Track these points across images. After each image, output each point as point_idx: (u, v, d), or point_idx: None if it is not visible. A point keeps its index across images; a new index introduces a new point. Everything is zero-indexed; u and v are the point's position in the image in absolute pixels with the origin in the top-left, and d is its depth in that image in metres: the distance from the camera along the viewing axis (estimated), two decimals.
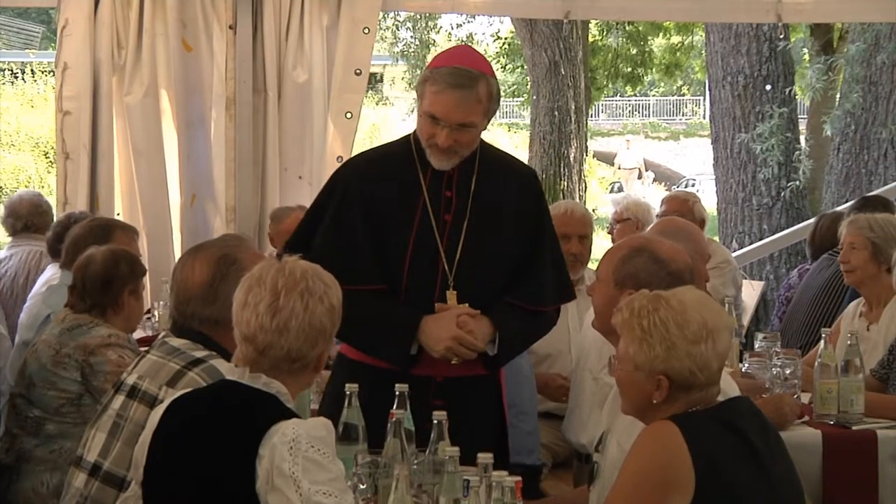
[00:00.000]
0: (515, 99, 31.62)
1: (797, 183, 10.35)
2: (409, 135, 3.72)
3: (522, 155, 25.34)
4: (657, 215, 6.57)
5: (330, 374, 3.81)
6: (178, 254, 5.96)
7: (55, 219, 6.32)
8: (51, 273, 5.90)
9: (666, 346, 2.81)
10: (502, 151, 3.94)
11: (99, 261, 4.22)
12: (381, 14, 7.18)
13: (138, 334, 5.59)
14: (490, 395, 3.76)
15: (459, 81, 3.50)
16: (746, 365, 4.42)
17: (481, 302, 3.59)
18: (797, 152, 10.55)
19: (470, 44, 30.23)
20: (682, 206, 6.23)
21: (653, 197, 16.20)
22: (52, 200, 6.84)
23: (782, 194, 10.34)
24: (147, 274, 5.27)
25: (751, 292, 7.34)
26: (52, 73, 25.42)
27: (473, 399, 3.55)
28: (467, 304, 3.59)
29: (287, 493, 2.54)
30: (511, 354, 3.75)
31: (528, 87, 23.50)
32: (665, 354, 2.81)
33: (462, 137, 3.56)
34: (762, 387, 4.28)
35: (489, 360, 3.66)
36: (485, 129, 3.64)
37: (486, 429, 3.58)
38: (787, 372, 4.44)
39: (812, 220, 7.00)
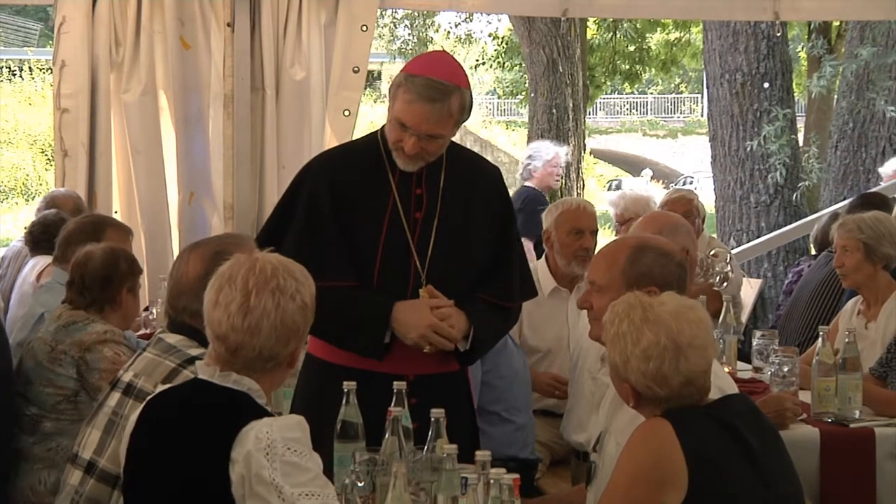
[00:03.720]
0: (514, 97, 31.64)
1: (807, 184, 10.38)
2: (377, 132, 3.71)
3: (520, 153, 25.37)
4: None
5: (299, 375, 3.79)
6: (176, 251, 5.96)
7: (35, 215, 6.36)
8: (31, 266, 5.93)
9: (624, 359, 2.83)
10: (467, 149, 3.94)
11: (98, 258, 4.23)
12: (378, 12, 7.15)
13: (138, 332, 5.61)
14: (461, 393, 3.77)
15: (432, 95, 3.48)
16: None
17: (453, 298, 3.58)
18: (806, 154, 10.57)
19: (468, 41, 30.26)
20: (688, 206, 6.21)
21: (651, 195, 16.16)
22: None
23: (780, 192, 10.34)
24: (145, 271, 5.29)
25: (749, 290, 7.34)
26: (49, 71, 25.46)
27: (445, 396, 3.51)
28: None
29: (269, 499, 2.53)
30: (483, 350, 3.75)
31: (526, 84, 23.53)
32: (623, 366, 2.84)
33: (429, 147, 3.55)
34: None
35: (462, 356, 3.66)
36: (453, 136, 3.64)
37: (458, 426, 3.55)
38: (786, 370, 4.45)
39: (817, 216, 7.00)
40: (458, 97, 3.52)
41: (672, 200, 6.52)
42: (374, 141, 3.70)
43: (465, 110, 3.56)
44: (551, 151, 8.59)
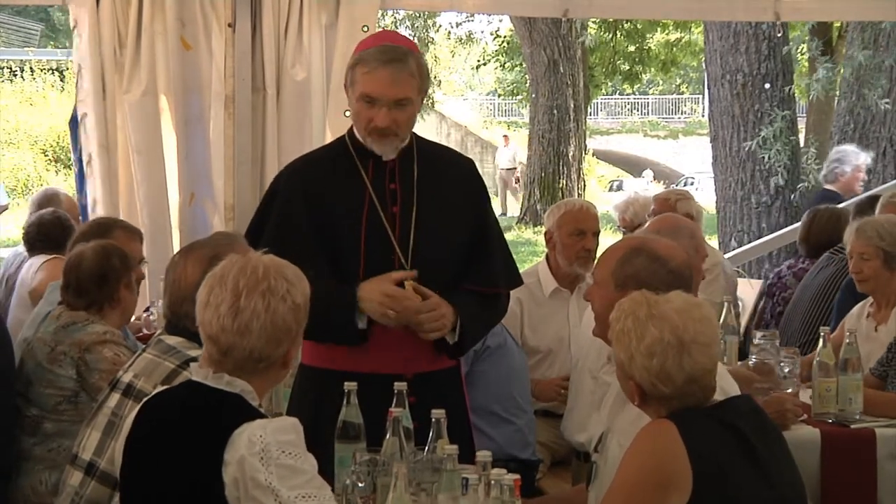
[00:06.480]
0: (514, 97, 31.63)
1: (807, 185, 10.37)
2: (344, 135, 3.74)
3: (521, 153, 25.32)
4: (648, 215, 6.58)
5: (293, 385, 3.78)
6: None
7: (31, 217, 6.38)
8: (28, 267, 5.93)
9: (628, 355, 2.84)
10: (438, 143, 3.97)
11: (91, 257, 4.21)
12: (379, 12, 7.15)
13: (139, 333, 5.61)
14: (456, 390, 3.77)
15: (391, 57, 3.52)
16: (754, 359, 4.45)
17: (439, 289, 3.57)
18: (805, 156, 10.57)
19: (469, 42, 30.26)
20: (664, 206, 6.23)
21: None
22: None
23: (781, 193, 10.35)
24: (146, 272, 5.29)
25: (749, 291, 7.33)
26: (50, 72, 25.46)
27: (443, 394, 3.51)
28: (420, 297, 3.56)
29: (266, 503, 2.53)
30: (473, 340, 3.76)
31: (527, 85, 23.53)
32: (628, 362, 2.84)
33: (400, 116, 3.56)
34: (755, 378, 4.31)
35: (451, 348, 3.66)
36: (419, 109, 3.66)
37: (455, 424, 3.54)
38: (787, 370, 4.45)
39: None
40: (415, 59, 3.57)
41: (655, 198, 6.56)
42: (342, 144, 3.73)
43: (424, 75, 3.60)
44: (860, 157, 8.26)
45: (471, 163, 3.90)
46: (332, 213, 3.61)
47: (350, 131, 3.71)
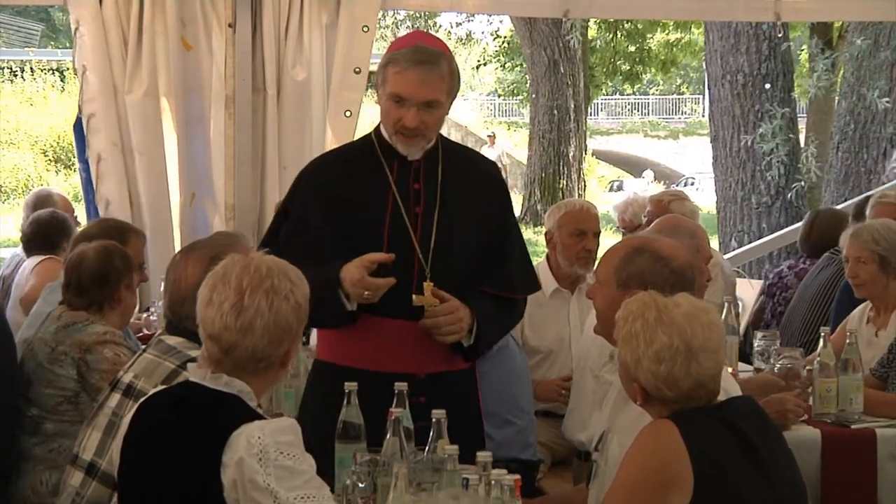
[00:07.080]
0: (515, 97, 31.62)
1: (802, 184, 10.37)
2: (370, 133, 3.74)
3: (522, 153, 25.32)
4: (644, 217, 6.58)
5: (307, 381, 3.78)
6: None
7: (28, 217, 6.38)
8: (25, 267, 5.94)
9: (635, 358, 2.83)
10: (461, 144, 3.97)
11: (93, 257, 4.21)
12: (380, 12, 7.16)
13: (140, 333, 5.61)
14: (470, 391, 3.76)
15: (422, 58, 3.52)
16: (779, 364, 4.45)
17: (457, 291, 3.57)
18: (804, 154, 10.58)
19: (469, 42, 30.27)
20: (659, 207, 6.23)
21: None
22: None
23: (782, 193, 10.35)
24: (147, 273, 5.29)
25: (749, 291, 7.33)
26: (51, 72, 25.39)
27: (455, 395, 3.52)
28: (437, 300, 3.55)
29: None
30: (489, 343, 3.75)
31: (528, 85, 23.54)
32: (634, 365, 2.84)
33: (428, 118, 3.56)
34: (777, 383, 4.31)
35: (467, 351, 3.66)
36: (447, 111, 3.66)
37: (467, 425, 3.53)
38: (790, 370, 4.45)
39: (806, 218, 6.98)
40: (447, 61, 3.58)
41: (650, 200, 6.55)
42: (368, 141, 3.72)
43: (455, 77, 3.61)
44: None
45: (494, 166, 3.91)
46: (355, 211, 3.62)
47: (377, 130, 3.71)
